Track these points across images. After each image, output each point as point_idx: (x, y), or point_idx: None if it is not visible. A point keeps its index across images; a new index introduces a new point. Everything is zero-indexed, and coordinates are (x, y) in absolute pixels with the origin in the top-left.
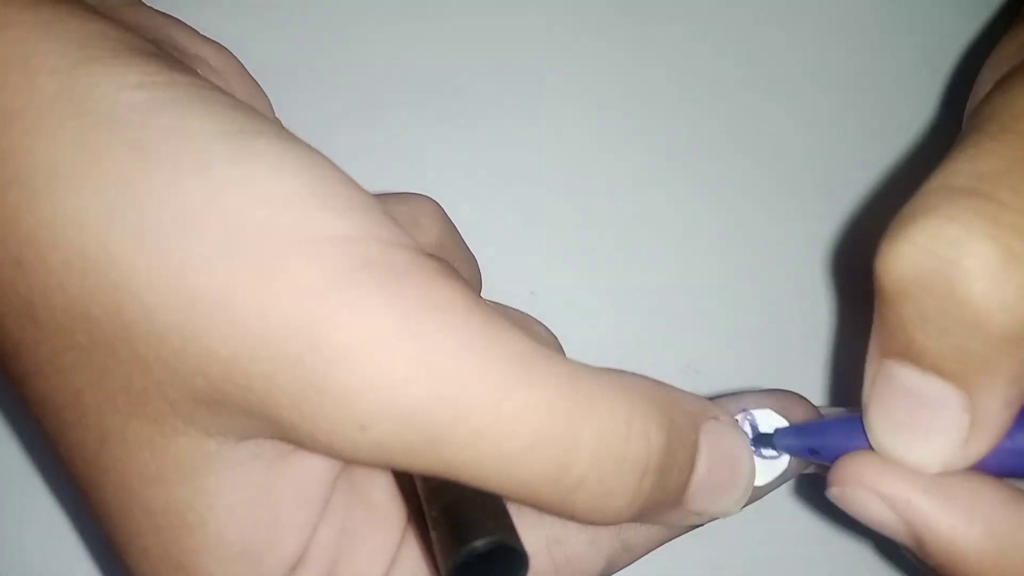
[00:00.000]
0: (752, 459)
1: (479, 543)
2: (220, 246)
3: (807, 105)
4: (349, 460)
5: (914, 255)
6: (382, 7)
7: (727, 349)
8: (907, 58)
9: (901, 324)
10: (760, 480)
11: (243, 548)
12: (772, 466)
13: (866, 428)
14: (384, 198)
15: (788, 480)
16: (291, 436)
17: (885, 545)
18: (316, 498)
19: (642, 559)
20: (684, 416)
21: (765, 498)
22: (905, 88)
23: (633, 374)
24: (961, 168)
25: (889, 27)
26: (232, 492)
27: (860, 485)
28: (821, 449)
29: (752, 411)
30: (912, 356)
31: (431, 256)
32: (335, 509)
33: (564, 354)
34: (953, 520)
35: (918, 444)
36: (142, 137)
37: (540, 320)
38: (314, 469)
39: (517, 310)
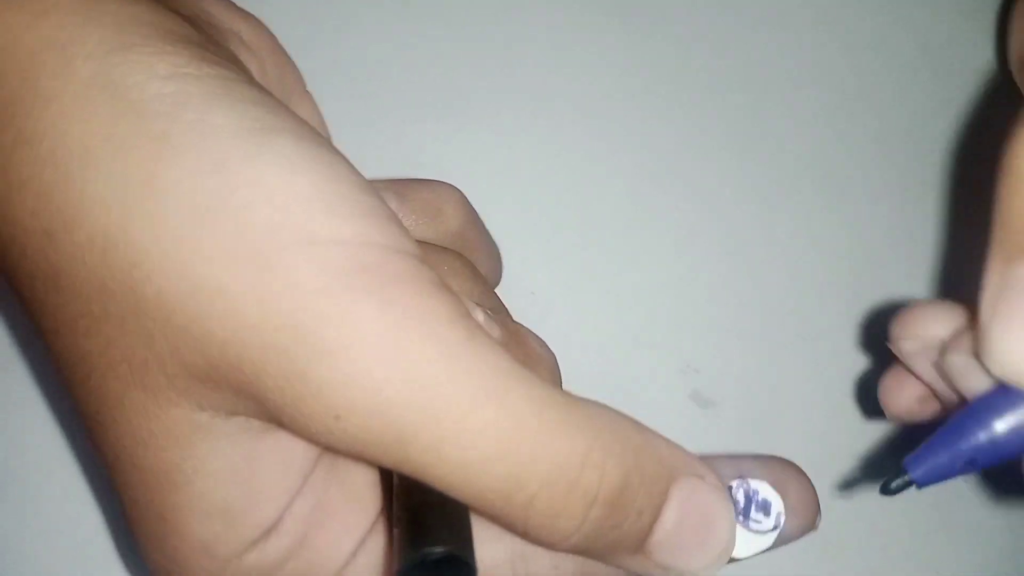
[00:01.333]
0: (731, 526)
1: (434, 550)
2: (227, 240)
3: (804, 102)
4: (324, 446)
5: None
6: (382, 6)
7: (727, 349)
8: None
9: None
10: (741, 552)
11: (222, 509)
12: (757, 540)
13: (995, 351)
14: (408, 184)
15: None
16: (275, 416)
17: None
18: (297, 472)
19: None
20: (655, 463)
21: None
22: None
23: (619, 414)
24: None
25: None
26: (217, 459)
27: None
28: (976, 453)
29: (749, 480)
30: None
31: (428, 266)
32: (313, 484)
33: (557, 376)
34: None
35: None
36: (167, 130)
37: (542, 333)
38: (298, 445)
39: (520, 324)
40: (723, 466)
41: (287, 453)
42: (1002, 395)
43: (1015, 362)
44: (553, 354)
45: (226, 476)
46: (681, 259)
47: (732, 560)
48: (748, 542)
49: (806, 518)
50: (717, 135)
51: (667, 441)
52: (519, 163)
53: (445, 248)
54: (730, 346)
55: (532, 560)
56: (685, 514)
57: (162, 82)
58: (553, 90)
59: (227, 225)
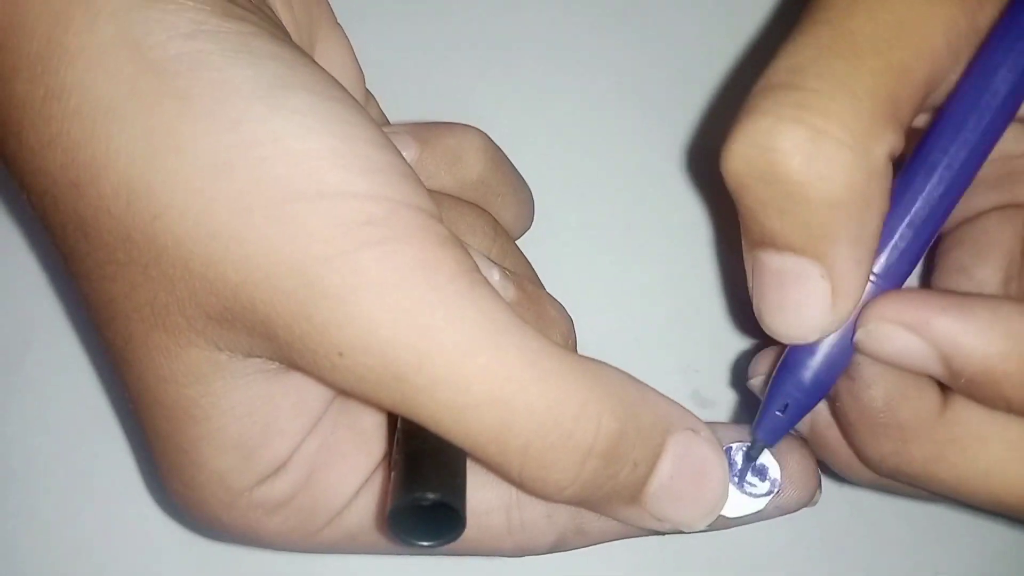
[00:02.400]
0: (724, 480)
1: (425, 495)
2: (243, 194)
3: None
4: (332, 384)
5: (742, 150)
6: (382, 6)
7: (727, 349)
8: None
9: (752, 215)
10: (732, 511)
11: (237, 444)
12: (748, 503)
13: (763, 320)
14: (432, 129)
15: (764, 519)
16: (286, 355)
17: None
18: (310, 414)
19: (638, 553)
20: (652, 417)
21: None
22: None
23: (616, 370)
24: (778, 66)
25: None
26: (234, 396)
27: (883, 319)
28: (786, 399)
29: (747, 444)
30: (769, 241)
31: (438, 221)
32: (324, 424)
33: (571, 342)
34: (975, 330)
35: (794, 318)
36: (187, 88)
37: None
38: (312, 388)
39: (540, 288)
40: (728, 431)
41: (301, 395)
42: (791, 354)
43: (777, 323)
44: (570, 320)
45: (242, 413)
46: (681, 259)
47: (723, 519)
48: (740, 503)
49: (804, 491)
50: (717, 133)
51: (662, 396)
52: (517, 162)
53: (466, 203)
54: (730, 346)
55: (526, 508)
56: (680, 466)
57: (182, 40)
58: (552, 88)
59: (242, 179)
